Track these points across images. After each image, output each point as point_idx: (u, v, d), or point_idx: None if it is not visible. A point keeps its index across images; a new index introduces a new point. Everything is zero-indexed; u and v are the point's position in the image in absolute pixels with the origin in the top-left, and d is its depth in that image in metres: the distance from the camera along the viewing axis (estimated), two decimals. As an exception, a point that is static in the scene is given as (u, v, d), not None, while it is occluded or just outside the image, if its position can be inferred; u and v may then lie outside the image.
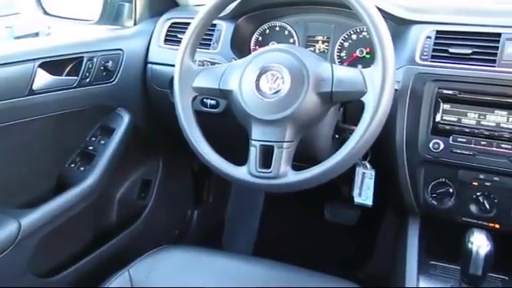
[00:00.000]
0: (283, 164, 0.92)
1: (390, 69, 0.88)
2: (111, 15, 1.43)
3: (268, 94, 0.94)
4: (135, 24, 1.44)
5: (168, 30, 1.37)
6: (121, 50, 1.32)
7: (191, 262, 1.09)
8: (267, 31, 1.31)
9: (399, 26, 1.11)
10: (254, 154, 0.94)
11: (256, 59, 0.97)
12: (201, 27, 1.03)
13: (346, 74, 0.92)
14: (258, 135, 0.94)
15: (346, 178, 1.15)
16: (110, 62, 1.28)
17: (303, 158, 0.98)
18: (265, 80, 0.94)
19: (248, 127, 0.96)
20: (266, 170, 0.92)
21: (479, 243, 0.91)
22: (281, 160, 0.92)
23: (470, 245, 0.92)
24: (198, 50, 1.05)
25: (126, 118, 1.34)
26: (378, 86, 0.87)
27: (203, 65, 1.15)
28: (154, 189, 1.59)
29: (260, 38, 1.31)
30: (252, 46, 1.32)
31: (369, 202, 1.13)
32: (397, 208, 1.21)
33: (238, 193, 1.96)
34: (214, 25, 1.28)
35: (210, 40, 1.29)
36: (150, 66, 1.37)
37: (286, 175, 0.92)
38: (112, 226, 1.47)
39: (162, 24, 1.39)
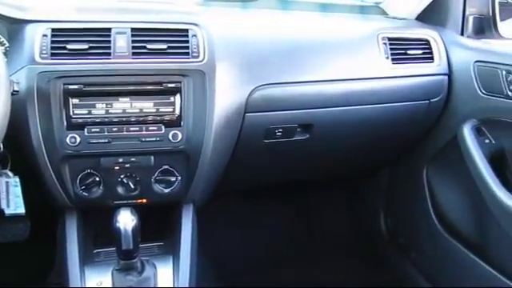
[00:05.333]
0: None
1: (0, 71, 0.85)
2: None
3: None
4: None
5: None
6: None
7: None
8: None
9: (12, 25, 1.08)
10: None
11: None
12: None
13: None
14: None
15: None
16: None
17: None
18: None
19: None
20: None
21: (125, 220, 0.99)
22: None
23: (117, 224, 0.99)
24: None
25: None
26: None
27: None
28: None
29: None
30: None
31: (21, 210, 1.09)
32: (54, 208, 1.19)
33: None
34: None
35: None
36: None
37: None
38: None
39: None
